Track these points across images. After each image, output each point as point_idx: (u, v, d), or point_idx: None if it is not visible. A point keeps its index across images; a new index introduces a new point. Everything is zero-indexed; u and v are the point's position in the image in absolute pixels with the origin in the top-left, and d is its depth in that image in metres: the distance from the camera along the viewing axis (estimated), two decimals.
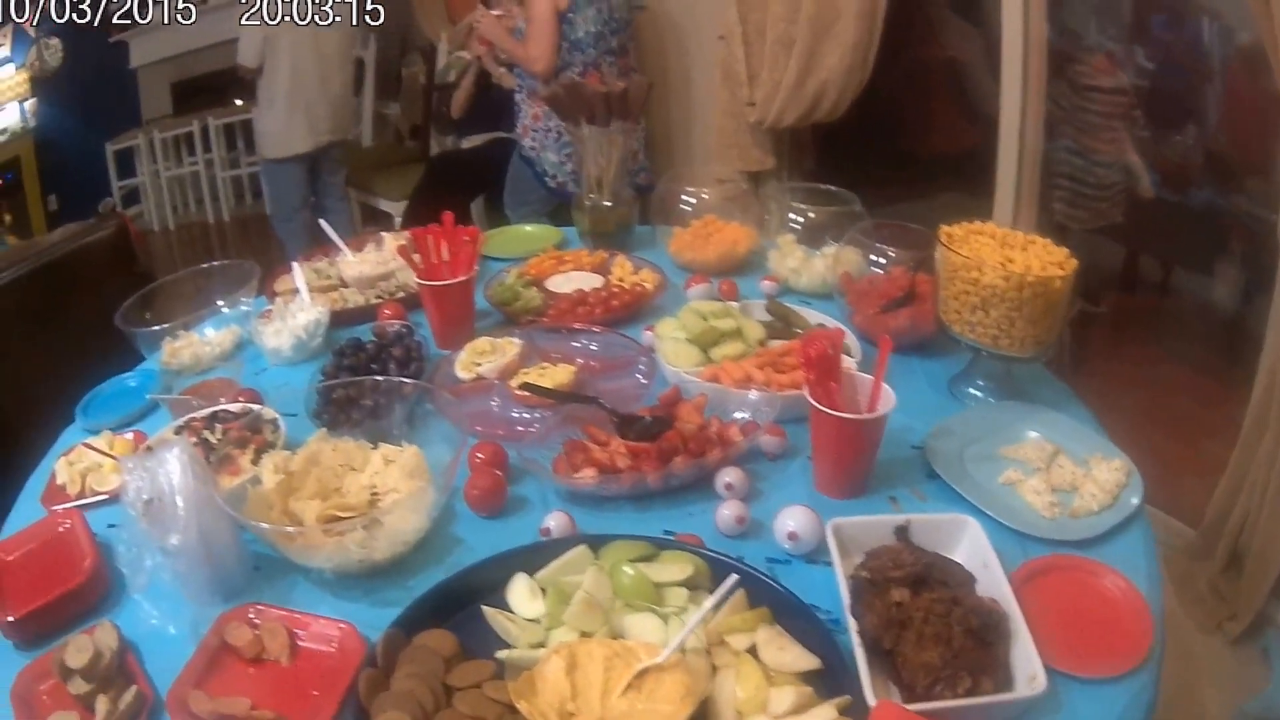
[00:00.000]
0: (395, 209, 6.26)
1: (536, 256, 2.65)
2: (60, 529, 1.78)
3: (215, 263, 2.65)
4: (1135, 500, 1.66)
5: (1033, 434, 1.84)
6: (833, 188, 2.65)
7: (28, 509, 1.93)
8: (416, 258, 2.29)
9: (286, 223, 6.02)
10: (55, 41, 8.40)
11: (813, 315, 2.23)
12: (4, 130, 8.41)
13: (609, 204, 2.73)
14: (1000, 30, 3.46)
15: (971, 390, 2.00)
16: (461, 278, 2.24)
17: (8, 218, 7.41)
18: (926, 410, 1.90)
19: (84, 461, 1.98)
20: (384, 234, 2.84)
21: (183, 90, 9.09)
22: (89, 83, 8.57)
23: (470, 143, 5.89)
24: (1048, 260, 1.84)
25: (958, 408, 1.97)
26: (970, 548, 1.49)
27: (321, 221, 2.87)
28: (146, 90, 9.15)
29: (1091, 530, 1.59)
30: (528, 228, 3.09)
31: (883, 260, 2.29)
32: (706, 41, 4.49)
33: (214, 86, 8.67)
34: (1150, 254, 3.98)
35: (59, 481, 1.96)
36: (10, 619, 1.54)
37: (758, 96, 4.03)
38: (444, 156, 6.17)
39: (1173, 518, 3.00)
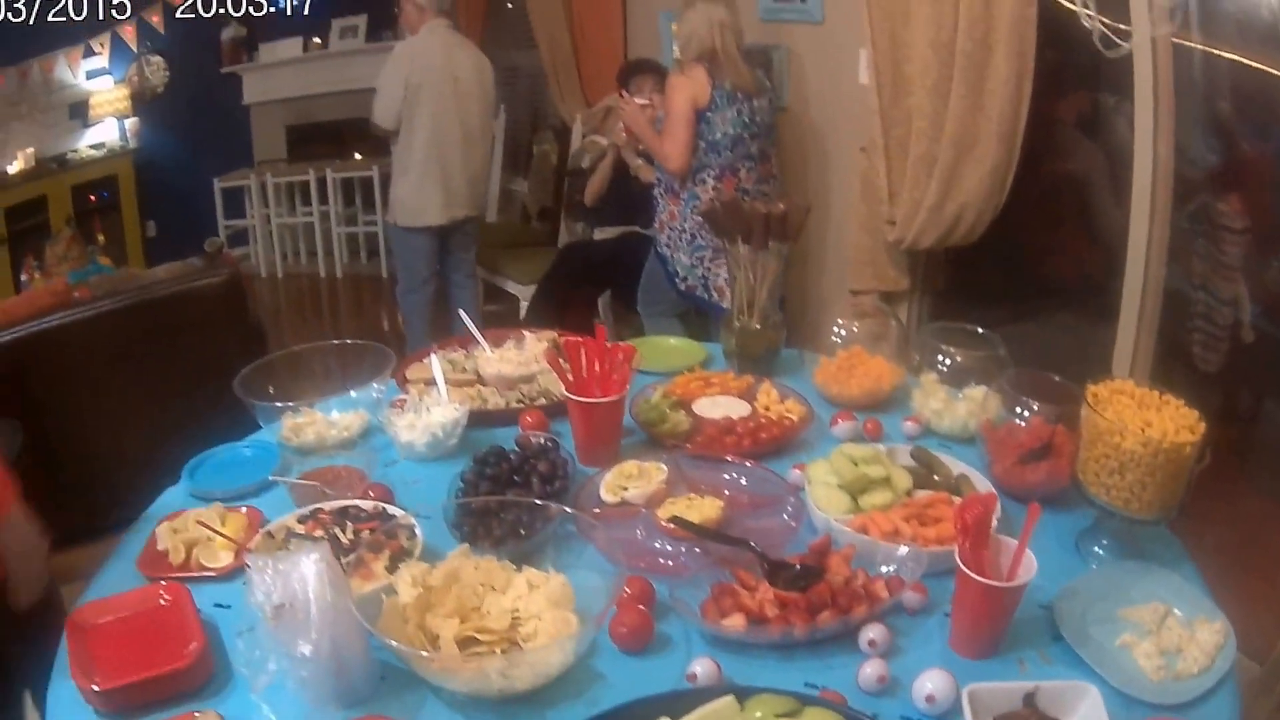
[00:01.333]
0: (521, 292, 6.24)
1: (682, 375, 2.66)
2: (162, 601, 1.79)
3: (349, 341, 2.65)
4: (1227, 665, 1.70)
5: (1148, 595, 1.86)
6: (979, 329, 2.65)
7: (122, 571, 1.95)
8: (565, 364, 2.30)
9: (411, 294, 5.91)
10: (158, 59, 8.55)
11: (955, 465, 2.23)
12: (100, 145, 8.59)
13: (758, 326, 2.74)
14: (1119, 148, 3.51)
15: (1096, 549, 2.01)
16: (613, 397, 2.25)
17: (101, 238, 7.48)
18: (1053, 567, 1.89)
19: (190, 531, 1.98)
20: (525, 332, 2.85)
21: (298, 135, 9.23)
22: (197, 111, 8.74)
23: (603, 234, 5.86)
24: (1180, 424, 1.87)
25: (1082, 565, 1.99)
26: (1087, 713, 1.54)
27: (462, 313, 2.88)
28: (259, 130, 9.28)
29: (1189, 694, 1.63)
30: (671, 340, 3.11)
31: (1024, 410, 2.29)
32: (848, 152, 4.50)
33: (330, 136, 8.81)
34: (1243, 385, 3.97)
35: (160, 547, 1.97)
36: (96, 688, 1.55)
37: (898, 215, 4.03)
38: (575, 247, 6.12)
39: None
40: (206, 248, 5.95)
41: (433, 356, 2.59)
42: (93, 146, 8.61)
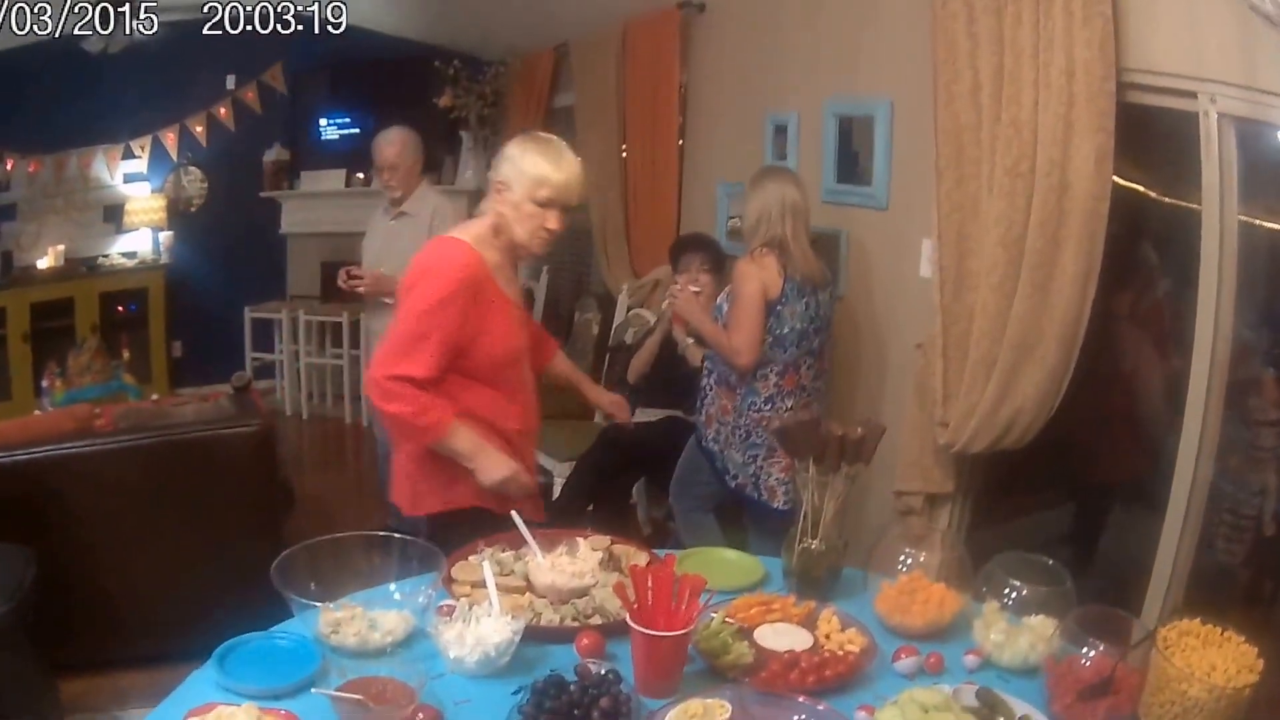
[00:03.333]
0: (555, 469, 5.99)
1: (742, 598, 2.62)
2: None
3: (395, 535, 2.60)
4: None
5: None
6: (1048, 560, 2.63)
7: None
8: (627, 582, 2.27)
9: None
10: (196, 171, 8.67)
11: (1017, 705, 2.20)
12: (132, 254, 8.74)
13: (821, 548, 2.71)
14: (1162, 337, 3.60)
15: None
16: (680, 631, 2.20)
17: (126, 354, 7.44)
18: None
19: None
20: (579, 539, 2.80)
21: (332, 272, 9.24)
22: (233, 233, 8.82)
23: (644, 416, 5.63)
24: (1241, 664, 1.94)
25: None
26: None
27: (514, 514, 2.82)
28: (295, 262, 9.30)
29: None
30: (728, 554, 3.06)
31: (1088, 649, 2.26)
32: (904, 348, 4.48)
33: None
34: (1265, 576, 3.97)
35: None
36: None
37: (951, 417, 3.98)
38: (616, 431, 5.74)
39: None
40: (234, 382, 5.93)
41: (485, 563, 2.54)
42: (124, 254, 8.76)
